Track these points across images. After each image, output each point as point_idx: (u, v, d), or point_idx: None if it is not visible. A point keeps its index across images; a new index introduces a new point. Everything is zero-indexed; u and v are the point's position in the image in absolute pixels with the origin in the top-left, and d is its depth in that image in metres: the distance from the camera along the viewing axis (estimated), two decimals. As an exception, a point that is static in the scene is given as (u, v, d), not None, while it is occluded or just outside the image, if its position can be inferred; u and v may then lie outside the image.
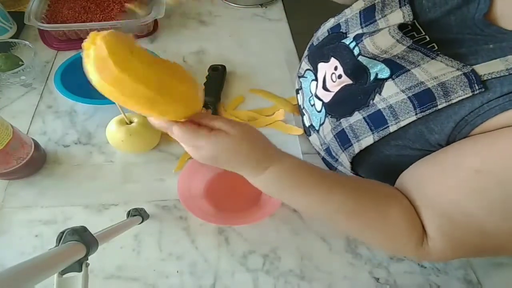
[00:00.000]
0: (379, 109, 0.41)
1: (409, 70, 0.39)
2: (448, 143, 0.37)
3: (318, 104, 0.52)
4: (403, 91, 0.38)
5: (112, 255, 0.50)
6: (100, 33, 0.28)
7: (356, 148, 0.45)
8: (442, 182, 0.36)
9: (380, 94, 0.41)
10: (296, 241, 0.52)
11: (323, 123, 0.51)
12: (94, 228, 0.36)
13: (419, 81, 0.37)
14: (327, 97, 0.50)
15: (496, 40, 0.34)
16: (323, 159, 0.57)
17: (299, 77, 0.60)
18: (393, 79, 0.40)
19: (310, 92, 0.55)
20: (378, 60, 0.42)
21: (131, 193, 0.56)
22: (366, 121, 0.43)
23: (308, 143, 0.61)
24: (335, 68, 0.48)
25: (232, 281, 0.48)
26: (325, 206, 0.39)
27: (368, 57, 0.43)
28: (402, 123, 0.39)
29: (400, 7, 0.42)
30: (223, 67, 0.72)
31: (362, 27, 0.46)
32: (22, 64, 0.67)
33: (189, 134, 0.35)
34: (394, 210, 0.38)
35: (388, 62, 0.41)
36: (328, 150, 0.51)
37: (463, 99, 0.34)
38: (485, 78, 0.33)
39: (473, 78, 0.34)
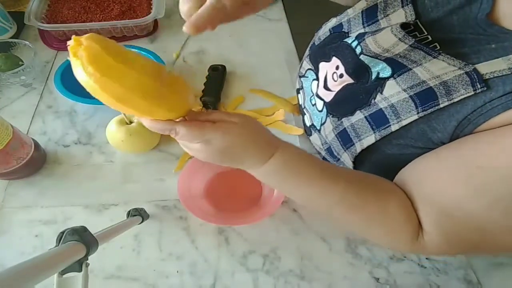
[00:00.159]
0: (381, 108, 0.41)
1: (411, 69, 0.39)
2: (451, 141, 0.37)
3: (320, 104, 0.52)
4: (404, 90, 0.38)
5: (112, 255, 0.50)
6: (83, 36, 0.28)
7: (358, 147, 0.45)
8: (442, 178, 0.36)
9: (381, 93, 0.41)
10: (296, 241, 0.52)
11: (324, 122, 0.51)
12: (94, 228, 0.36)
13: (421, 80, 0.37)
14: (328, 96, 0.50)
15: (498, 40, 0.34)
16: (324, 158, 0.57)
17: (300, 76, 0.60)
18: (395, 78, 0.40)
19: (311, 91, 0.55)
20: (380, 59, 0.42)
21: (131, 193, 0.56)
22: (367, 120, 0.43)
23: (308, 143, 0.61)
24: (337, 68, 0.48)
25: (232, 281, 0.48)
26: (326, 198, 0.39)
27: (370, 56, 0.43)
28: (404, 122, 0.39)
29: (402, 6, 0.42)
30: (223, 67, 0.72)
31: (364, 27, 0.46)
32: (22, 64, 0.67)
33: (196, 130, 0.34)
34: (392, 205, 0.39)
35: (389, 61, 0.41)
36: (329, 150, 0.51)
37: (465, 98, 0.34)
38: (487, 77, 0.33)
39: (475, 77, 0.34)
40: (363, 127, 0.43)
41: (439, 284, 0.49)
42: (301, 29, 0.88)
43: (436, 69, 0.37)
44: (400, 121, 0.39)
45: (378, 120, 0.41)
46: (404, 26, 0.40)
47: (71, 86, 0.63)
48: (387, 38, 0.40)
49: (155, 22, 0.82)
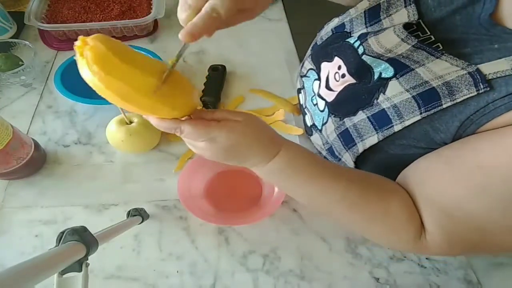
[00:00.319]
0: (383, 109, 0.41)
1: (413, 69, 0.39)
2: (453, 142, 0.37)
3: (321, 104, 0.52)
4: (407, 90, 0.38)
5: (112, 255, 0.50)
6: (89, 36, 0.29)
7: (360, 147, 0.45)
8: (444, 178, 0.36)
9: (384, 93, 0.41)
10: (296, 241, 0.52)
11: (326, 122, 0.51)
12: (94, 228, 0.36)
13: (424, 80, 0.37)
14: (330, 96, 0.50)
15: (501, 40, 0.34)
16: (325, 158, 0.57)
17: (301, 76, 0.60)
18: (397, 78, 0.40)
19: (313, 91, 0.55)
20: (382, 60, 0.42)
21: (131, 193, 0.56)
22: (370, 121, 0.42)
23: (308, 143, 0.61)
24: (339, 68, 0.48)
25: (232, 281, 0.48)
26: (328, 196, 0.39)
27: (373, 56, 0.43)
28: (407, 123, 0.39)
29: (405, 6, 0.42)
30: (223, 67, 0.72)
31: (366, 27, 0.46)
32: (22, 64, 0.67)
33: (201, 129, 0.34)
34: (394, 204, 0.39)
35: (392, 61, 0.41)
36: (330, 150, 0.51)
37: (468, 98, 0.34)
38: (490, 77, 0.33)
39: (478, 77, 0.33)
40: (366, 127, 0.43)
41: (439, 284, 0.49)
42: (301, 29, 0.88)
43: (439, 70, 0.37)
44: (403, 121, 0.39)
45: (380, 120, 0.41)
46: (406, 26, 0.40)
47: (71, 86, 0.63)
48: (389, 39, 0.40)
49: (155, 22, 0.82)
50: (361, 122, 0.44)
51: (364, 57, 0.44)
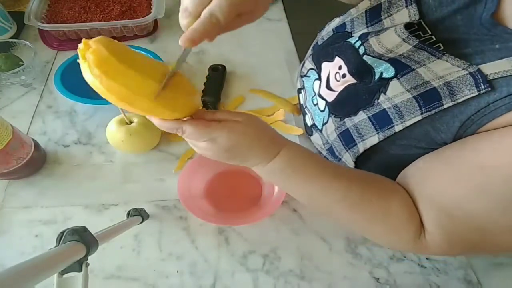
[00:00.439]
0: (384, 109, 0.41)
1: (414, 69, 0.39)
2: (454, 142, 0.37)
3: (322, 104, 0.52)
4: (408, 90, 0.38)
5: (112, 255, 0.49)
6: (92, 39, 0.29)
7: (361, 147, 0.45)
8: (444, 177, 0.36)
9: (385, 93, 0.41)
10: (296, 241, 0.52)
11: (326, 122, 0.51)
12: (94, 228, 0.36)
13: (425, 81, 0.37)
14: (330, 96, 0.50)
15: (503, 40, 0.34)
16: (325, 158, 0.57)
17: (302, 76, 0.60)
18: (398, 79, 0.40)
19: (313, 91, 0.55)
20: (383, 60, 0.42)
21: (131, 193, 0.56)
22: (371, 121, 0.42)
23: (308, 142, 0.61)
24: (339, 68, 0.48)
25: (232, 281, 0.48)
26: (329, 195, 0.40)
27: (373, 57, 0.43)
28: (408, 123, 0.39)
29: (406, 6, 0.42)
30: (223, 67, 0.72)
31: (367, 27, 0.46)
32: (22, 64, 0.67)
33: (202, 129, 0.35)
34: (395, 204, 0.39)
35: (393, 61, 0.41)
36: (331, 150, 0.51)
37: (469, 98, 0.34)
38: (491, 78, 0.33)
39: (479, 77, 0.33)
40: (366, 128, 0.43)
41: (439, 284, 0.49)
42: (301, 29, 0.88)
43: (439, 70, 0.37)
44: (404, 121, 0.39)
45: (381, 120, 0.41)
46: (407, 25, 0.40)
47: (71, 86, 0.63)
48: (390, 39, 0.40)
49: (155, 22, 0.82)
50: (361, 122, 0.44)
51: (365, 57, 0.44)
